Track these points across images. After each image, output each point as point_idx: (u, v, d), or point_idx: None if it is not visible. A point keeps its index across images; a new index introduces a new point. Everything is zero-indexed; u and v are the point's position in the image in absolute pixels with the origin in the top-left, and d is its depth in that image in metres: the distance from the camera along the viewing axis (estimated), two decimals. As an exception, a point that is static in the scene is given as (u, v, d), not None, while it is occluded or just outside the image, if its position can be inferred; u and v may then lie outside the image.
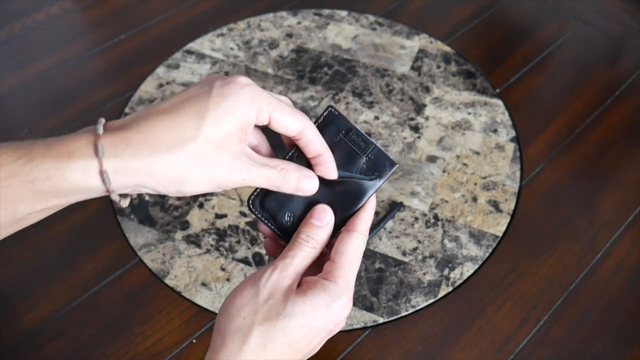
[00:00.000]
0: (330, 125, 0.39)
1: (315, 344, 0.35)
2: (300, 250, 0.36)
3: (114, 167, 0.32)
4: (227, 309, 0.35)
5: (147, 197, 0.39)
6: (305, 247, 0.37)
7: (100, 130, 0.33)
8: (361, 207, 0.39)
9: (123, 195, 0.35)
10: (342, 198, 0.39)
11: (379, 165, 0.39)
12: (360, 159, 0.39)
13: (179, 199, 0.83)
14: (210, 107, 0.34)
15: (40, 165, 0.31)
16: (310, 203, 0.39)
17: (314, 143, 0.38)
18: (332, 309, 0.35)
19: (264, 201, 0.40)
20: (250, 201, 0.39)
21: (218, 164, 0.34)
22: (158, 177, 0.33)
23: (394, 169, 0.40)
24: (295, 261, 0.36)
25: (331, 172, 0.39)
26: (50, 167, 0.31)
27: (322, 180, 0.39)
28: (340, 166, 0.39)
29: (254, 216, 0.40)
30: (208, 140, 0.33)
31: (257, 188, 0.39)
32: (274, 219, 0.39)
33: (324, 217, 0.38)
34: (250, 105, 0.35)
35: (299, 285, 0.36)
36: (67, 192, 0.32)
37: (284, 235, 0.40)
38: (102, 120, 0.33)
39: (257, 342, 0.33)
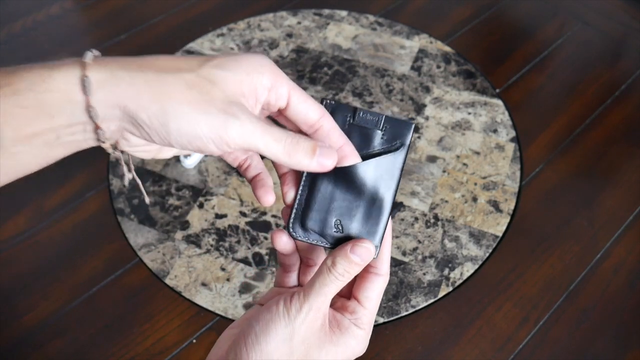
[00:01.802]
0: (334, 116, 0.36)
1: None
2: (335, 286, 0.35)
3: (98, 78, 0.28)
4: (251, 341, 0.34)
5: (147, 200, 0.37)
6: (340, 282, 0.35)
7: (93, 51, 0.30)
8: (381, 248, 0.36)
9: (114, 147, 0.32)
10: (379, 180, 0.36)
11: (397, 131, 0.36)
12: (376, 134, 0.36)
13: (178, 198, 0.83)
14: (219, 55, 0.31)
15: (24, 75, 0.28)
16: (351, 201, 0.36)
17: (333, 134, 0.34)
18: (354, 353, 0.36)
19: (305, 221, 0.36)
20: (290, 227, 0.36)
21: (210, 99, 0.29)
22: (142, 94, 0.29)
23: (412, 128, 0.36)
24: (329, 297, 0.35)
25: (355, 159, 0.35)
26: (34, 76, 0.28)
27: (352, 171, 0.36)
28: (360, 149, 0.35)
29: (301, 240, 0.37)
30: (206, 76, 0.29)
31: (290, 213, 0.36)
32: (324, 236, 0.36)
33: (366, 257, 0.35)
34: (267, 69, 0.31)
35: (328, 317, 0.36)
36: (49, 107, 0.29)
37: (335, 246, 0.37)
38: (91, 52, 0.30)
39: None
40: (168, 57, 0.30)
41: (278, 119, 0.35)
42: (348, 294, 0.37)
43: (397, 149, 0.36)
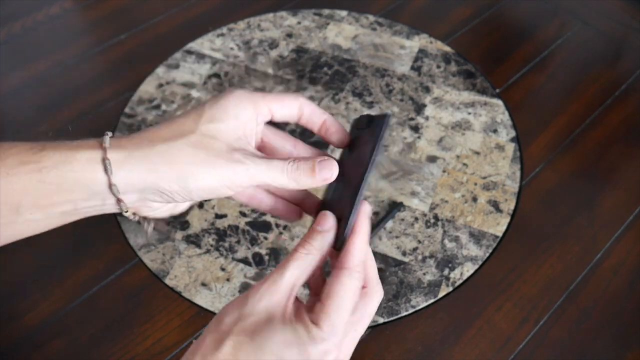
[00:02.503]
0: (359, 139, 0.39)
1: None
2: (295, 260, 0.34)
3: (117, 158, 0.33)
4: (218, 314, 0.34)
5: (149, 229, 0.40)
6: (301, 254, 0.34)
7: (109, 134, 0.35)
8: (348, 240, 0.35)
9: (134, 214, 0.37)
10: (355, 172, 0.37)
11: (375, 126, 0.37)
12: (364, 134, 0.38)
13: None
14: (206, 108, 0.35)
15: (50, 154, 0.32)
16: (339, 196, 0.37)
17: (315, 112, 0.38)
18: (310, 353, 0.32)
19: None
20: None
21: (216, 154, 0.34)
22: (159, 166, 0.33)
23: (387, 120, 0.37)
24: (287, 273, 0.33)
25: (342, 133, 0.38)
26: (59, 155, 0.32)
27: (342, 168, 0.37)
28: (362, 155, 0.37)
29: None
30: (206, 133, 0.34)
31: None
32: (336, 239, 0.36)
33: (324, 223, 0.35)
34: (246, 103, 0.36)
35: (294, 306, 0.34)
36: (72, 184, 0.33)
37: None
38: (108, 135, 0.35)
39: (229, 352, 0.31)
40: (168, 124, 0.35)
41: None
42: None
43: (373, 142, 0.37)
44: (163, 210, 0.39)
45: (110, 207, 0.35)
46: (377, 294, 0.36)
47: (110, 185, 0.33)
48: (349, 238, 0.35)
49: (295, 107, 0.37)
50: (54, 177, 0.32)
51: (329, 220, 0.35)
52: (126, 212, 0.36)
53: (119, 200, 0.34)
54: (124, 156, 0.33)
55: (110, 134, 0.34)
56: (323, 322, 0.32)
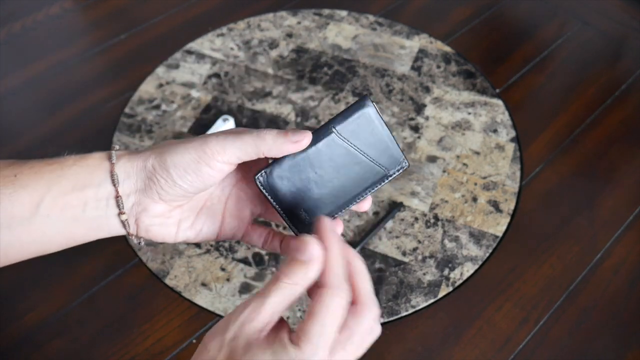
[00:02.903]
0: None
1: None
2: (277, 288, 0.33)
3: (120, 154, 0.39)
4: (202, 341, 0.34)
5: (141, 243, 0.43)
6: (283, 283, 0.33)
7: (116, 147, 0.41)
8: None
9: (137, 237, 0.40)
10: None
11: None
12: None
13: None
14: (210, 135, 0.40)
15: (67, 157, 0.39)
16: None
17: (272, 144, 0.37)
18: None
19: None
20: (264, 174, 0.39)
21: (193, 140, 0.39)
22: (147, 151, 0.39)
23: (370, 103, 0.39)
24: (270, 301, 0.32)
25: (304, 135, 0.37)
26: (74, 158, 0.39)
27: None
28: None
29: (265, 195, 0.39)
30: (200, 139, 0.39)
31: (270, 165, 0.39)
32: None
33: (307, 251, 0.33)
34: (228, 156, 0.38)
35: (273, 329, 0.33)
36: (84, 179, 0.38)
37: (291, 220, 0.38)
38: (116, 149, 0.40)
39: None
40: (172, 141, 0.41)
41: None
42: None
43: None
44: (163, 227, 0.40)
45: (112, 215, 0.39)
46: (368, 309, 0.34)
47: (112, 172, 0.38)
48: (326, 254, 0.34)
49: (248, 152, 0.38)
50: (73, 172, 0.37)
51: (309, 249, 0.33)
52: (124, 213, 0.38)
53: (117, 195, 0.38)
54: (127, 152, 0.39)
55: (117, 146, 0.40)
56: (302, 342, 0.31)
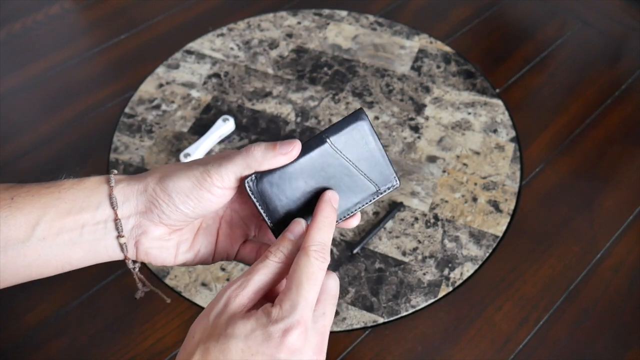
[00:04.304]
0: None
1: None
2: (264, 266, 0.35)
3: (119, 178, 0.39)
4: (190, 328, 0.34)
5: (167, 300, 0.45)
6: (271, 261, 0.35)
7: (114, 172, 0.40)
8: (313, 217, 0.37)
9: (134, 262, 0.40)
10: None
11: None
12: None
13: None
14: (209, 161, 0.39)
15: (64, 180, 0.38)
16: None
17: (261, 159, 0.37)
18: (271, 333, 0.31)
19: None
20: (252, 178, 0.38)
21: (193, 166, 0.38)
22: (147, 175, 0.38)
23: (363, 116, 0.39)
24: (256, 278, 0.34)
25: (292, 145, 0.37)
26: (71, 181, 0.38)
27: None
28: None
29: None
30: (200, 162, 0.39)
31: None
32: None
33: (294, 229, 0.36)
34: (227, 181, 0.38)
35: (257, 303, 0.34)
36: (82, 202, 0.37)
37: (276, 227, 0.38)
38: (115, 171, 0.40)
39: None
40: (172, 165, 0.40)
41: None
42: None
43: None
44: (163, 250, 0.41)
45: (110, 244, 0.39)
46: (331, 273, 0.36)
47: (111, 197, 0.38)
48: (311, 219, 0.37)
49: (240, 168, 0.37)
50: (70, 195, 0.37)
51: (299, 227, 0.36)
52: (122, 236, 0.38)
53: (115, 218, 0.38)
54: (125, 177, 0.39)
55: (115, 171, 0.39)
56: (283, 302, 0.33)
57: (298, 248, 0.35)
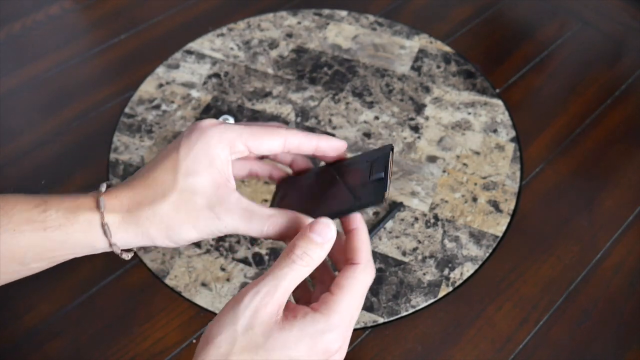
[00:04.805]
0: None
1: None
2: (291, 270, 0.33)
3: (113, 221, 0.35)
4: (205, 333, 0.33)
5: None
6: (299, 266, 0.33)
7: (103, 189, 0.36)
8: (353, 233, 0.36)
9: (126, 250, 0.38)
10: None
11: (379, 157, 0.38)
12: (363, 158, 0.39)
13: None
14: (181, 158, 0.35)
15: (54, 215, 0.35)
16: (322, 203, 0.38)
17: (304, 143, 0.37)
18: (317, 344, 0.32)
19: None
20: None
21: (197, 212, 0.35)
22: (150, 230, 0.36)
23: (389, 151, 0.38)
24: (284, 284, 0.32)
25: (337, 150, 0.38)
26: (61, 217, 0.35)
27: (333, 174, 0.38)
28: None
29: None
30: (185, 189, 0.35)
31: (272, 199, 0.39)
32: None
33: (326, 233, 0.33)
34: (217, 146, 0.35)
35: (287, 309, 0.33)
36: (74, 242, 0.36)
37: None
38: (104, 184, 0.37)
39: None
40: (148, 180, 0.36)
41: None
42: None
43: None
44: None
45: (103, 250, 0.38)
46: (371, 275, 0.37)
47: (111, 245, 0.36)
48: (352, 235, 0.36)
49: (277, 143, 0.36)
50: (58, 236, 0.35)
51: (330, 232, 0.34)
52: (120, 254, 0.38)
53: (120, 253, 0.38)
54: (119, 220, 0.36)
55: (103, 188, 0.36)
56: (332, 313, 0.32)
57: (326, 252, 0.34)
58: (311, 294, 0.39)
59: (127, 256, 0.38)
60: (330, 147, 0.38)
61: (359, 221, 0.36)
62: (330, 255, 0.37)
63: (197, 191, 0.35)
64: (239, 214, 0.35)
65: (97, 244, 0.36)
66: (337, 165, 0.39)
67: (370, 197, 0.36)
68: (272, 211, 0.36)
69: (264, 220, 0.35)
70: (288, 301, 0.34)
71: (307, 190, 0.39)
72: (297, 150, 0.37)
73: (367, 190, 0.36)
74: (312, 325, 0.32)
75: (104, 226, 0.35)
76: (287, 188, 0.40)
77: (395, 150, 0.89)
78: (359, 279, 0.34)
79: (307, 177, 0.40)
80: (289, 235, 0.35)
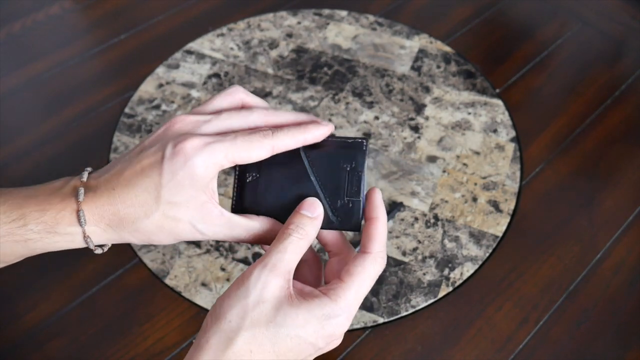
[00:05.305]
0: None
1: (303, 358, 0.34)
2: (290, 243, 0.35)
3: (94, 231, 0.36)
4: (215, 309, 0.34)
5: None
6: (295, 237, 0.35)
7: (85, 178, 0.36)
8: (370, 223, 0.37)
9: (99, 245, 0.38)
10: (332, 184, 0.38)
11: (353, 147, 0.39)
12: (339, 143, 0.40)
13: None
14: (163, 185, 0.35)
15: (34, 229, 0.35)
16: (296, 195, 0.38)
17: (291, 146, 0.37)
18: (324, 327, 0.33)
19: (243, 201, 0.38)
20: (232, 209, 0.39)
21: (179, 231, 0.36)
22: (128, 237, 0.36)
23: (365, 145, 0.39)
24: (286, 257, 0.34)
25: (324, 132, 0.38)
26: (42, 230, 0.35)
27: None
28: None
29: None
30: (167, 214, 0.35)
31: (232, 195, 0.39)
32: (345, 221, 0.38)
33: (314, 209, 0.36)
34: (203, 174, 0.35)
35: (295, 288, 0.35)
36: (55, 247, 0.37)
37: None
38: (86, 172, 0.37)
39: (243, 348, 0.32)
40: (131, 194, 0.35)
41: None
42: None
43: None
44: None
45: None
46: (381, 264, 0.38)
47: (92, 249, 0.37)
48: (371, 224, 0.37)
49: (264, 152, 0.36)
50: (40, 246, 0.36)
51: (318, 207, 0.37)
52: (94, 249, 0.38)
53: (95, 249, 0.38)
54: (100, 231, 0.36)
55: (82, 194, 0.35)
56: (341, 299, 0.34)
57: (318, 226, 0.36)
58: (320, 276, 0.40)
59: (100, 251, 0.39)
60: (317, 138, 0.38)
61: (380, 211, 0.37)
62: (324, 246, 0.40)
63: (181, 218, 0.35)
64: (220, 226, 0.36)
65: (75, 246, 0.37)
66: (309, 153, 0.38)
67: (347, 223, 0.38)
68: (251, 221, 0.37)
69: (243, 229, 0.37)
70: (297, 282, 0.36)
71: (277, 184, 0.38)
72: (285, 150, 0.38)
73: (343, 211, 0.38)
74: (320, 308, 0.34)
75: (86, 238, 0.36)
76: (252, 171, 0.38)
77: (394, 150, 0.89)
78: (368, 268, 0.35)
79: (274, 161, 0.38)
80: (267, 240, 0.38)
